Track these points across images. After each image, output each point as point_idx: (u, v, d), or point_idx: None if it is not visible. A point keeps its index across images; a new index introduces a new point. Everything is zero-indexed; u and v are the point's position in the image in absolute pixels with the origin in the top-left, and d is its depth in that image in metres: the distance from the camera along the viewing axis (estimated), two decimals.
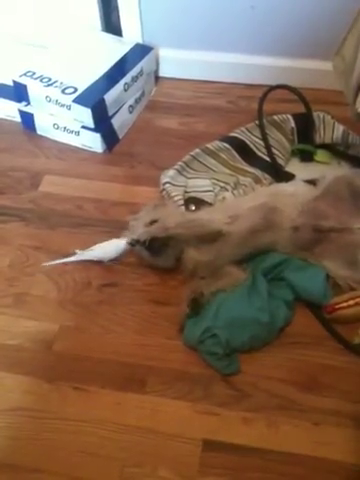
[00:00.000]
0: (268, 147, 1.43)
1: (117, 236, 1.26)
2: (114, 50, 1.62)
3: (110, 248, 1.25)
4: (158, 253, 1.18)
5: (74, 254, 1.27)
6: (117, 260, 1.25)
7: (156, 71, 1.73)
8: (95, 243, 1.28)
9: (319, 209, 1.19)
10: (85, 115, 1.47)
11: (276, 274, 1.17)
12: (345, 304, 1.14)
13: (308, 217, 1.19)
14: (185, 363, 1.10)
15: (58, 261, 1.27)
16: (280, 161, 1.43)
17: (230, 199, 1.32)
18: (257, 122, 1.47)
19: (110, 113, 1.52)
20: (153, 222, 1.18)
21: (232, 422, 1.02)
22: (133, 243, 1.18)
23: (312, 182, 1.28)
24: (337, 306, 1.14)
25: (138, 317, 1.17)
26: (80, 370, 1.10)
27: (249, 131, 1.48)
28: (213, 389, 1.06)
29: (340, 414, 1.02)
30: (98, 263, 1.26)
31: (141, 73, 1.61)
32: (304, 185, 1.30)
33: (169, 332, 1.14)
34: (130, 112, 1.60)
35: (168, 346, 1.12)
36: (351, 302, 1.14)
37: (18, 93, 1.55)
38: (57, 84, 1.51)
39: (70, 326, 1.16)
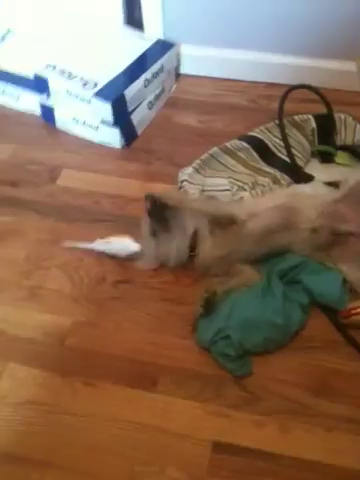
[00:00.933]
0: (288, 147, 1.41)
1: (133, 233, 1.26)
2: (135, 45, 1.62)
3: (124, 245, 1.24)
4: (162, 222, 1.18)
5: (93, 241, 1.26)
6: (131, 258, 1.25)
7: (177, 68, 1.72)
8: None
9: (339, 212, 1.17)
10: (105, 110, 1.47)
11: (292, 277, 1.16)
12: None
13: (327, 219, 1.17)
14: (197, 363, 1.09)
15: (80, 245, 1.26)
16: (299, 162, 1.41)
17: (248, 199, 1.31)
18: (277, 122, 1.45)
19: (130, 109, 1.51)
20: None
21: (243, 425, 1.01)
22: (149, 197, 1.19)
23: (333, 184, 1.26)
24: (353, 311, 1.12)
25: (151, 315, 1.17)
26: (92, 366, 1.10)
27: (269, 131, 1.46)
28: (225, 390, 1.05)
29: (353, 421, 1.00)
30: (113, 259, 1.26)
31: (162, 69, 1.60)
32: (324, 187, 1.28)
33: (182, 331, 1.13)
34: (149, 108, 1.60)
35: (181, 345, 1.12)
36: None
37: (39, 86, 1.55)
38: (78, 78, 1.51)
39: (83, 321, 1.16)
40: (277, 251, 1.18)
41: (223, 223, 1.16)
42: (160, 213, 1.19)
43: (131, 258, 1.24)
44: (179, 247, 1.20)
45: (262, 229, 1.15)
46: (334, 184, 1.26)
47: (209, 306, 1.12)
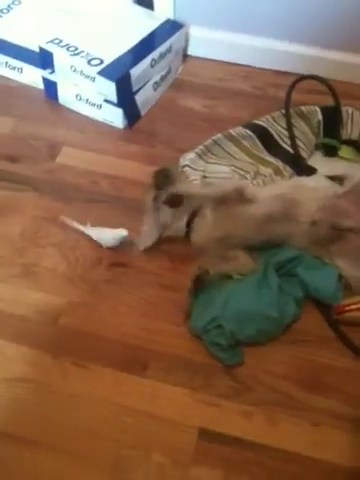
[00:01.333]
0: (292, 138, 1.40)
1: (129, 216, 1.27)
2: (144, 24, 1.58)
3: (109, 236, 1.23)
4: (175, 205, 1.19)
5: (85, 224, 1.26)
6: (115, 248, 1.24)
7: (184, 49, 1.69)
8: (107, 220, 1.27)
9: (340, 207, 1.16)
10: (109, 89, 1.44)
11: (288, 269, 1.16)
12: (355, 306, 1.12)
13: (327, 213, 1.16)
14: (189, 351, 1.09)
15: (75, 224, 1.25)
16: (303, 154, 1.40)
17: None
18: (283, 111, 1.43)
19: (134, 89, 1.49)
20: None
21: (231, 414, 1.02)
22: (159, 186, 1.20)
23: (336, 178, 1.25)
24: (347, 308, 1.12)
25: (146, 300, 1.17)
26: (83, 347, 1.10)
27: (274, 120, 1.44)
28: (214, 379, 1.06)
29: (340, 417, 1.01)
30: None
31: (169, 50, 1.57)
32: (326, 181, 1.27)
33: (175, 318, 1.13)
34: (154, 89, 1.57)
35: (173, 332, 1.12)
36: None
37: (43, 60, 1.51)
38: (83, 54, 1.48)
39: (77, 302, 1.16)
40: (275, 241, 1.18)
41: (230, 198, 1.15)
42: (164, 183, 1.19)
43: (121, 248, 1.23)
44: (178, 218, 1.19)
45: (262, 215, 1.14)
46: (337, 178, 1.25)
47: (199, 283, 1.11)
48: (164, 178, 1.20)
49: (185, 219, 1.19)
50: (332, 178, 1.28)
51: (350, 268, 1.16)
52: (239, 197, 1.16)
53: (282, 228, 1.16)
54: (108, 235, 1.23)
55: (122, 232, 1.21)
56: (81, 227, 1.26)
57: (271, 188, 1.26)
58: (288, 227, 1.16)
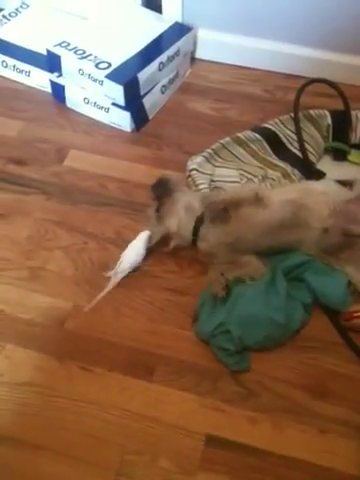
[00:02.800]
0: (301, 142, 1.39)
1: (136, 219, 1.27)
2: (152, 27, 1.58)
3: (135, 252, 1.21)
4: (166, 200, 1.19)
5: (109, 278, 1.19)
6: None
7: (193, 52, 1.69)
8: (114, 223, 1.28)
9: (351, 212, 1.15)
10: (117, 92, 1.44)
11: (297, 275, 1.14)
12: None
13: (339, 219, 1.14)
14: (195, 355, 1.09)
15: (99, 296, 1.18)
16: (312, 158, 1.39)
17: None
18: (292, 115, 1.42)
19: (142, 92, 1.48)
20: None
21: (237, 420, 1.01)
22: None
23: (346, 183, 1.23)
24: (355, 314, 1.11)
25: (152, 304, 1.16)
26: (90, 351, 1.10)
27: (283, 123, 1.43)
28: (221, 385, 1.05)
29: (348, 424, 1.00)
30: (117, 244, 1.25)
31: (177, 53, 1.57)
32: (335, 185, 1.25)
33: (182, 322, 1.12)
34: (162, 92, 1.57)
35: (180, 336, 1.11)
36: None
37: (51, 63, 1.52)
38: (91, 57, 1.48)
39: (84, 305, 1.16)
40: (284, 247, 1.16)
41: (246, 203, 1.14)
42: (164, 193, 1.19)
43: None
44: (184, 227, 1.18)
45: (274, 222, 1.13)
46: (347, 183, 1.23)
47: (228, 291, 1.10)
48: (163, 188, 1.20)
49: (191, 227, 1.17)
50: (341, 182, 1.26)
51: (355, 276, 1.14)
52: (253, 201, 1.14)
53: (293, 234, 1.15)
54: (136, 247, 1.20)
55: (144, 235, 1.20)
56: (110, 285, 1.19)
57: (280, 192, 1.23)
58: (299, 233, 1.14)
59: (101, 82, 1.45)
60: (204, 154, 1.37)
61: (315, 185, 1.25)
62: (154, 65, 1.49)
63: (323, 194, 1.17)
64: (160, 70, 1.51)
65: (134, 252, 1.20)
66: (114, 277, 1.19)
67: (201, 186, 1.31)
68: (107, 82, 1.44)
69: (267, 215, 1.13)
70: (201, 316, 1.11)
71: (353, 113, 1.41)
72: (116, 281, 1.19)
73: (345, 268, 1.14)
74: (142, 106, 1.50)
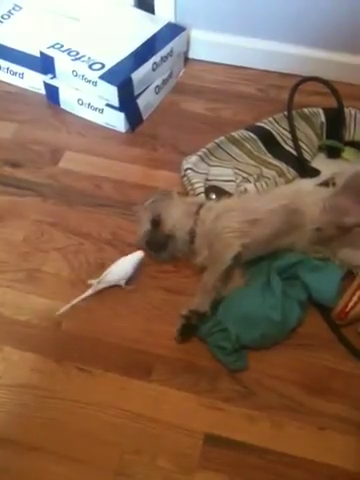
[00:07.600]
0: (295, 140, 1.39)
1: (131, 219, 1.27)
2: (145, 28, 1.58)
3: (124, 268, 1.18)
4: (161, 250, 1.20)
5: (90, 286, 1.17)
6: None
7: (186, 52, 1.69)
8: (109, 224, 1.28)
9: (341, 205, 1.15)
10: (111, 93, 1.44)
11: (292, 273, 1.15)
12: (352, 303, 1.12)
13: (330, 215, 1.15)
14: (193, 354, 1.09)
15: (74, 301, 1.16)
16: (306, 156, 1.39)
17: (250, 195, 1.28)
18: (286, 113, 1.43)
19: (136, 92, 1.48)
20: (155, 221, 1.19)
21: (236, 418, 1.01)
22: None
23: (326, 184, 1.22)
24: (347, 309, 1.12)
25: (149, 304, 1.16)
26: (87, 351, 1.10)
27: (277, 122, 1.44)
28: (219, 383, 1.05)
29: (346, 421, 1.00)
30: (113, 245, 1.25)
31: (171, 53, 1.57)
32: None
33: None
34: (156, 93, 1.57)
35: None
36: (355, 299, 1.12)
37: (45, 65, 1.52)
38: (85, 59, 1.48)
39: (80, 306, 1.15)
40: (280, 250, 1.17)
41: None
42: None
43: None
44: (179, 242, 1.19)
45: (267, 236, 1.13)
46: (326, 183, 1.22)
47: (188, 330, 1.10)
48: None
49: (185, 241, 1.18)
50: (323, 184, 1.24)
51: (353, 255, 1.15)
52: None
53: (288, 239, 1.15)
54: (126, 264, 1.18)
55: (138, 255, 1.18)
56: (90, 291, 1.17)
57: (271, 199, 1.19)
58: (293, 237, 1.15)
59: (95, 83, 1.45)
60: (199, 154, 1.38)
61: (304, 185, 1.25)
62: (148, 65, 1.49)
63: (311, 193, 1.18)
64: (154, 70, 1.51)
65: (122, 268, 1.17)
66: (96, 285, 1.17)
67: (196, 185, 1.31)
68: (101, 83, 1.44)
69: (259, 232, 1.13)
70: None
71: (346, 111, 1.42)
72: (95, 290, 1.16)
73: (340, 252, 1.15)
74: (136, 107, 1.50)
